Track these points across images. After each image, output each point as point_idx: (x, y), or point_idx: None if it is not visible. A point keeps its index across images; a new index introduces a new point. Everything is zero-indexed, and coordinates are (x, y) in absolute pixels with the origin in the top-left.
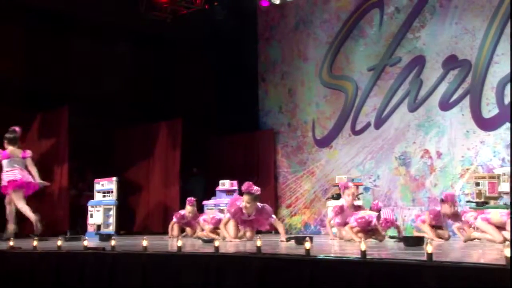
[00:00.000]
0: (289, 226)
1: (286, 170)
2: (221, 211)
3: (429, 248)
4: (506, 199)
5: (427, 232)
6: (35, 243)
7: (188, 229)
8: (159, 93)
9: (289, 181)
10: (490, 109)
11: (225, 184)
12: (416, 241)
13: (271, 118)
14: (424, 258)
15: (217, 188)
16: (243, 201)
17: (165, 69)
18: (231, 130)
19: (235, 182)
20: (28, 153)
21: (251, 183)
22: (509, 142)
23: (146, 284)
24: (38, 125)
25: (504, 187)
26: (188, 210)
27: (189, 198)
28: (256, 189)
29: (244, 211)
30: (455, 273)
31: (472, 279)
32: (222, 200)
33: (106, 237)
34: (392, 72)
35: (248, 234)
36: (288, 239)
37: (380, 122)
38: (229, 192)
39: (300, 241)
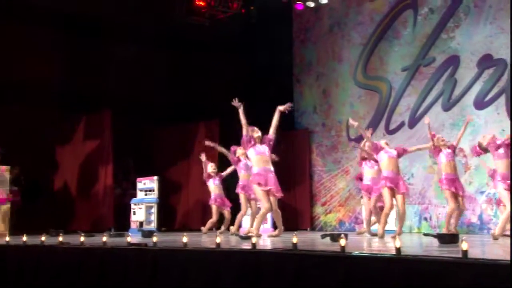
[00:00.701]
0: (324, 223)
1: (321, 169)
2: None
3: (464, 245)
4: None
5: None
6: (82, 239)
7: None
8: (197, 95)
9: (324, 180)
10: None
11: None
12: (451, 239)
13: (306, 118)
14: (459, 255)
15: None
16: None
17: (202, 72)
18: (267, 130)
19: None
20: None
21: None
22: None
23: (186, 279)
24: (83, 127)
25: None
26: None
27: None
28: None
29: None
30: (490, 270)
31: (505, 276)
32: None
33: (148, 234)
34: (426, 72)
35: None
36: (323, 236)
37: (414, 121)
38: None
39: (335, 238)
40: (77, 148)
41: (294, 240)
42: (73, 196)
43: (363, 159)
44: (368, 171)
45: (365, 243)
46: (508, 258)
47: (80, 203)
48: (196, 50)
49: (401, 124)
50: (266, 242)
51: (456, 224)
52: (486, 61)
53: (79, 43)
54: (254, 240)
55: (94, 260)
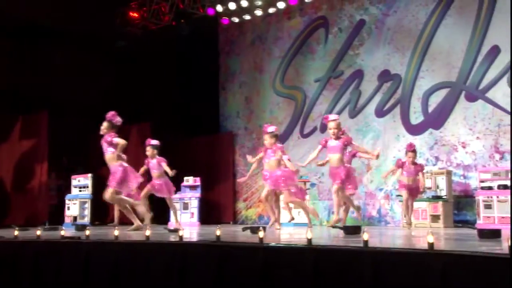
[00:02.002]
0: (245, 217)
1: (243, 168)
2: (185, 204)
3: (365, 236)
4: (428, 193)
5: None
6: (16, 232)
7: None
8: (130, 99)
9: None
10: (416, 117)
11: (189, 180)
12: (355, 230)
13: (230, 122)
14: (361, 244)
15: (182, 184)
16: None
17: (136, 79)
18: (195, 133)
19: (198, 179)
20: None
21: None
22: (431, 145)
23: (117, 270)
24: (20, 127)
25: (427, 183)
26: None
27: None
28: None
29: None
30: (388, 257)
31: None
32: (186, 194)
33: (81, 228)
34: (336, 84)
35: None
36: (244, 229)
37: (325, 126)
38: (192, 187)
39: (254, 230)
40: (13, 146)
41: (218, 232)
42: (8, 192)
43: None
44: None
45: (281, 235)
46: (400, 245)
47: (15, 199)
48: (131, 59)
49: (314, 129)
50: (192, 234)
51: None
52: (385, 75)
53: (17, 45)
54: (181, 233)
55: (28, 254)
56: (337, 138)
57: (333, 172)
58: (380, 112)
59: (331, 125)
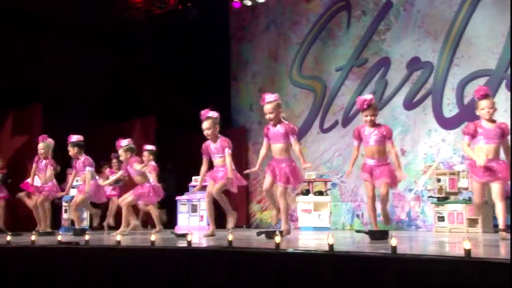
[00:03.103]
0: (259, 220)
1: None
2: (194, 206)
3: (393, 242)
4: (465, 194)
5: None
6: (8, 238)
7: None
8: (133, 91)
9: (260, 177)
10: (450, 109)
11: (197, 180)
12: (381, 235)
13: (242, 116)
14: (389, 251)
15: (190, 184)
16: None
17: (138, 69)
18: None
19: (208, 178)
20: None
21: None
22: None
23: (119, 278)
24: (11, 122)
25: (463, 183)
26: None
27: None
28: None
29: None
30: (419, 265)
31: (430, 271)
32: (195, 195)
33: (80, 232)
34: (359, 73)
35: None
36: (258, 234)
37: (347, 120)
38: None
39: (270, 235)
40: (4, 143)
41: (230, 237)
42: None
43: None
44: None
45: (299, 240)
46: (432, 252)
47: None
48: (131, 46)
49: (335, 123)
50: (201, 239)
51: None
52: (414, 63)
53: (5, 33)
54: (189, 237)
55: (22, 261)
56: (277, 123)
57: (276, 166)
58: (409, 104)
59: (267, 108)
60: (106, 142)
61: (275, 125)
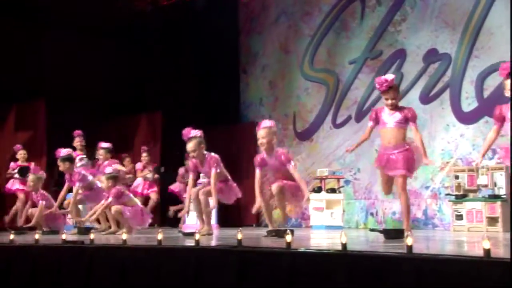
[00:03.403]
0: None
1: None
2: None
3: (409, 241)
4: (484, 191)
5: None
6: (12, 236)
7: None
8: (138, 85)
9: (270, 174)
10: (469, 103)
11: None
12: (397, 234)
13: (252, 111)
14: (404, 250)
15: (198, 181)
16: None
17: (144, 63)
18: (212, 123)
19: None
20: None
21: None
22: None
23: (125, 278)
24: (14, 117)
25: (482, 180)
26: None
27: None
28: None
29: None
30: (436, 266)
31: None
32: None
33: (85, 231)
34: (373, 66)
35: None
36: (268, 233)
37: (361, 115)
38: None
39: (280, 234)
40: (6, 140)
41: (239, 236)
42: (2, 192)
43: None
44: None
45: (311, 240)
46: (450, 252)
47: (11, 198)
48: (136, 39)
49: (348, 118)
50: (210, 238)
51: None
52: (431, 55)
53: (9, 29)
54: (197, 236)
55: (26, 260)
56: (270, 151)
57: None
58: (426, 98)
59: (261, 133)
60: (110, 139)
61: (268, 153)
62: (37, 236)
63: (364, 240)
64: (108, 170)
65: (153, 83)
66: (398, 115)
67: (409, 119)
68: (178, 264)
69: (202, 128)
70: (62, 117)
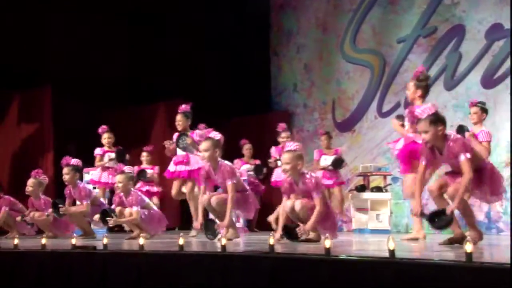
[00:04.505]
0: None
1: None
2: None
3: (468, 247)
4: None
5: None
6: (16, 241)
7: None
8: (156, 70)
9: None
10: None
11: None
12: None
13: (285, 98)
14: (463, 258)
15: None
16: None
17: (162, 45)
18: (240, 112)
19: (243, 171)
20: None
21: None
22: None
23: (141, 287)
24: (17, 107)
25: None
26: None
27: None
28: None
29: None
30: (499, 275)
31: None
32: None
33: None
34: (426, 45)
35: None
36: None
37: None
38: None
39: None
40: (9, 132)
41: (271, 241)
42: (5, 190)
43: None
44: None
45: (354, 245)
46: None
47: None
48: (154, 19)
49: (396, 105)
50: (238, 244)
51: None
52: (495, 31)
53: (11, 7)
54: (223, 241)
55: (31, 267)
56: (296, 176)
57: None
58: (489, 81)
59: (284, 158)
60: (125, 129)
61: (294, 179)
62: (44, 241)
63: (415, 246)
64: (128, 169)
65: (172, 68)
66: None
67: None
68: (202, 272)
69: (226, 117)
70: (71, 107)
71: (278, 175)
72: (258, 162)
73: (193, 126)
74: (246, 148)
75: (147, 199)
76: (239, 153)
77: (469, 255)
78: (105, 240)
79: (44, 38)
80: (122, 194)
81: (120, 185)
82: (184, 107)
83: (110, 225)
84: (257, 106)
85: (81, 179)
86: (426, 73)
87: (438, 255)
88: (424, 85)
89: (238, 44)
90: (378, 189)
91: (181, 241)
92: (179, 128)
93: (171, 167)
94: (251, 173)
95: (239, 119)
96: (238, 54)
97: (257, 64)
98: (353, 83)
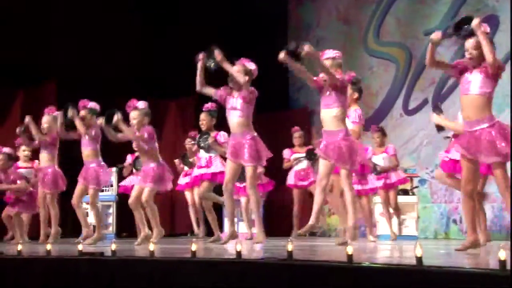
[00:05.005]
0: (327, 227)
1: None
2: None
3: (502, 254)
4: None
5: None
6: (19, 247)
7: None
8: (167, 66)
9: None
10: None
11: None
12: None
13: (304, 95)
14: (497, 267)
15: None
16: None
17: (175, 38)
18: (256, 109)
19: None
20: None
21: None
22: None
23: None
24: (21, 104)
25: None
26: None
27: None
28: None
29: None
30: None
31: None
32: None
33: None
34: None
35: None
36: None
37: (439, 98)
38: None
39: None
40: (13, 130)
41: (289, 247)
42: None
43: None
44: None
45: (378, 252)
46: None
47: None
48: (166, 11)
49: (423, 102)
50: (254, 250)
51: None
52: None
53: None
54: (238, 247)
55: (36, 274)
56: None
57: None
58: None
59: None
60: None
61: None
62: (48, 247)
63: (444, 253)
64: None
65: (183, 64)
66: (481, 71)
67: (491, 75)
68: (216, 279)
69: None
70: (76, 102)
71: (291, 178)
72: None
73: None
74: (296, 136)
75: None
76: None
77: (502, 263)
78: (113, 246)
79: (48, 32)
80: None
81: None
82: (209, 105)
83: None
84: (274, 103)
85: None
86: (357, 77)
87: (470, 263)
88: (359, 88)
89: (254, 38)
90: (404, 192)
91: (193, 247)
92: (203, 127)
93: (195, 172)
94: (304, 160)
95: (255, 117)
96: (254, 48)
97: (273, 59)
98: (377, 79)
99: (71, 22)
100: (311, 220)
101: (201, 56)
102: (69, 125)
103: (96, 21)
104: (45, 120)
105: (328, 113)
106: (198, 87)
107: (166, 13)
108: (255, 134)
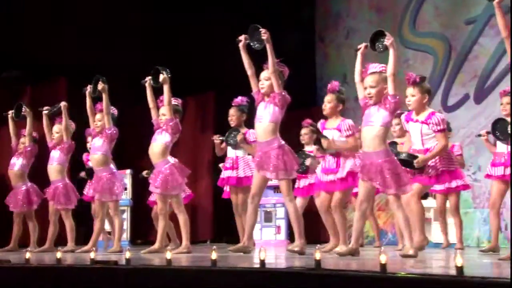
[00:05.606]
0: None
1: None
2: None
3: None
4: None
5: None
6: (28, 255)
7: None
8: (185, 61)
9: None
10: None
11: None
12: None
13: None
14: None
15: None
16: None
17: (192, 30)
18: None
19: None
20: None
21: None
22: None
23: None
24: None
25: None
26: None
27: None
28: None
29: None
30: None
31: None
32: (269, 199)
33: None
34: None
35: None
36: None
37: (482, 94)
38: (278, 188)
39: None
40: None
41: (317, 255)
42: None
43: None
44: None
45: (414, 261)
46: None
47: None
48: (183, 4)
49: (465, 98)
50: (279, 258)
51: None
52: None
53: None
54: (262, 255)
55: (46, 284)
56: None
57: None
58: None
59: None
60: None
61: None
62: (59, 255)
63: (488, 263)
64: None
65: (203, 57)
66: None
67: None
68: None
69: None
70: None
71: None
72: None
73: (224, 118)
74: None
75: None
76: None
77: None
78: (127, 254)
79: (59, 26)
80: None
81: None
82: (239, 100)
83: None
84: (300, 100)
85: None
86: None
87: None
88: (344, 99)
89: (278, 30)
90: None
91: (213, 255)
92: (233, 124)
93: (223, 174)
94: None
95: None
96: (278, 41)
97: (300, 51)
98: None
99: (83, 18)
100: (352, 244)
101: (242, 37)
102: (97, 98)
103: (110, 18)
104: (56, 129)
105: (370, 131)
106: (249, 71)
107: (182, 9)
108: (283, 142)
